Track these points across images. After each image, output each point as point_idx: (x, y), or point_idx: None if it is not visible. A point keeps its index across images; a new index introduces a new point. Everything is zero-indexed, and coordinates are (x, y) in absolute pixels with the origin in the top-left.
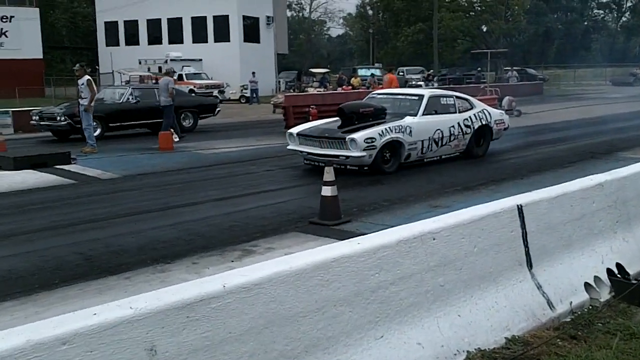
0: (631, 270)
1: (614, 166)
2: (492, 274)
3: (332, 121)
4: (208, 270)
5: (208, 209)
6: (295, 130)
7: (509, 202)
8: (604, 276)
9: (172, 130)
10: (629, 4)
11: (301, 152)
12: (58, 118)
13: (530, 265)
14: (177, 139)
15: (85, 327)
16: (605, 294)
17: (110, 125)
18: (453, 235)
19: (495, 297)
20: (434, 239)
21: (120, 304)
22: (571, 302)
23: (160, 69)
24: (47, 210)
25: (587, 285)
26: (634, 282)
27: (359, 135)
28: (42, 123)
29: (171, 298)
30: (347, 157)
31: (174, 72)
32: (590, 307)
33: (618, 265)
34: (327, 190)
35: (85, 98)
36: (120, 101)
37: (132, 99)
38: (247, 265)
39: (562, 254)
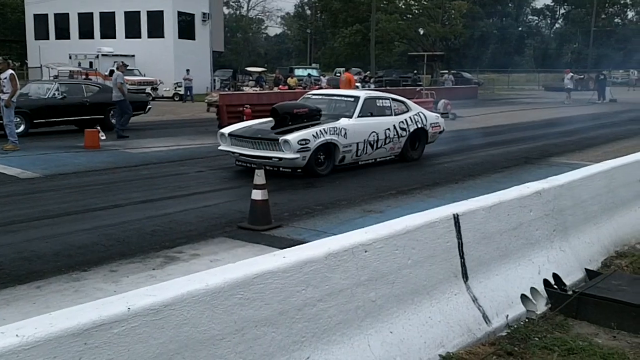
0: (568, 281)
1: (548, 172)
2: (426, 287)
3: (266, 121)
4: (127, 279)
5: (130, 212)
6: (227, 130)
7: (445, 211)
8: (540, 287)
9: (98, 127)
10: (562, 10)
11: (233, 153)
12: None
13: (465, 277)
14: (103, 137)
15: None
16: (541, 306)
17: (35, 121)
18: (386, 247)
19: (429, 312)
20: (365, 252)
21: (4, 331)
22: (507, 316)
23: (91, 64)
24: None
25: (523, 297)
26: (570, 293)
27: (293, 137)
28: None
29: (65, 323)
30: (280, 158)
31: (126, 65)
32: (527, 320)
33: (555, 276)
34: (257, 194)
35: (7, 93)
36: (46, 96)
37: (59, 94)
38: (170, 273)
39: (499, 264)
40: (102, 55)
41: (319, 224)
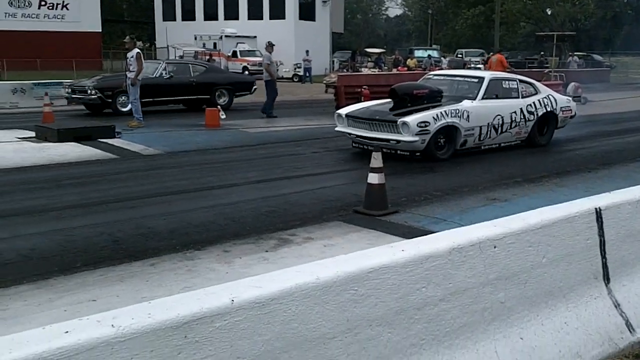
0: None
1: None
2: (562, 290)
3: (384, 103)
4: (239, 260)
5: (246, 191)
6: (344, 111)
7: (586, 204)
8: None
9: (219, 107)
10: None
11: (349, 134)
12: (88, 91)
13: (607, 279)
14: (223, 116)
15: (49, 351)
16: None
17: (142, 100)
18: (518, 243)
19: (565, 317)
20: (494, 247)
21: (100, 320)
22: None
23: (215, 45)
24: (83, 185)
25: None
26: None
27: (412, 119)
28: (73, 96)
29: (164, 314)
30: (398, 141)
31: (272, 45)
32: None
33: None
34: (374, 178)
35: (133, 71)
36: (153, 76)
37: (166, 74)
38: (282, 256)
39: None
40: (225, 36)
41: (438, 211)
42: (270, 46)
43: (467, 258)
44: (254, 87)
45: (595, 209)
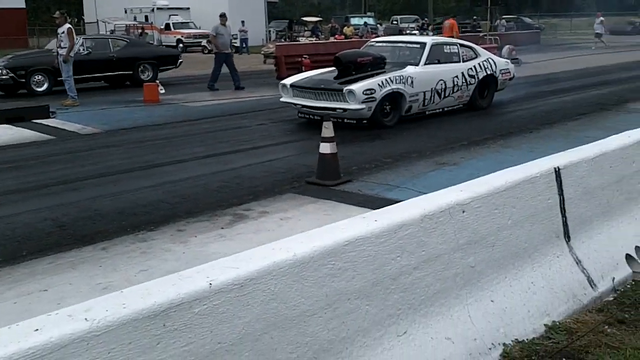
0: None
1: (627, 118)
2: (527, 250)
3: (328, 71)
4: (195, 239)
5: (194, 167)
6: (288, 81)
7: (545, 164)
8: None
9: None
10: None
11: (295, 104)
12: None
13: (568, 237)
14: (162, 90)
15: (19, 352)
16: None
17: (59, 79)
18: (485, 207)
19: (531, 277)
20: (463, 212)
21: (72, 314)
22: (613, 278)
23: (146, 18)
24: (20, 169)
25: (628, 257)
26: None
27: (358, 87)
28: None
29: (140, 303)
30: (345, 109)
31: (221, 15)
32: (633, 282)
33: None
34: (325, 147)
35: (65, 47)
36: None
37: (83, 50)
38: (239, 232)
39: (601, 222)
40: (158, 8)
41: (390, 178)
42: (221, 16)
43: (438, 224)
44: (179, 60)
45: (554, 168)
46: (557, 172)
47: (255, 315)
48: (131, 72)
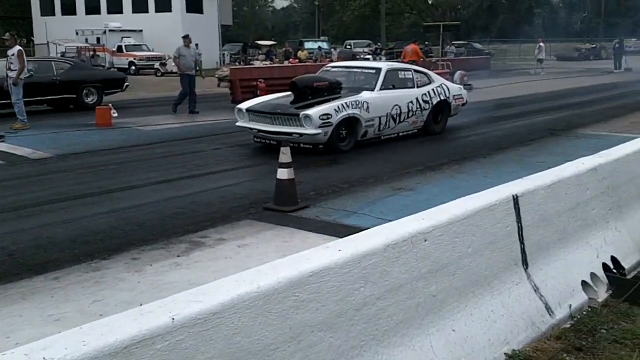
0: (626, 264)
1: (576, 144)
2: (487, 278)
3: (284, 96)
4: (150, 268)
5: (148, 193)
6: (244, 105)
7: (504, 191)
8: (600, 272)
9: (110, 104)
10: None
11: (251, 129)
12: None
13: (525, 264)
14: (115, 114)
15: None
16: (602, 293)
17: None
18: (446, 235)
19: (491, 305)
20: (425, 241)
21: (29, 353)
22: (570, 305)
23: (98, 40)
24: None
25: (584, 284)
26: (631, 278)
27: (314, 111)
28: None
29: (101, 340)
30: (301, 134)
31: (185, 37)
32: (589, 309)
33: (613, 259)
34: (283, 173)
35: (15, 70)
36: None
37: (25, 72)
38: (196, 260)
39: (557, 249)
40: (110, 30)
41: (348, 204)
42: (184, 38)
43: (401, 253)
44: (126, 83)
45: (513, 195)
46: (515, 199)
47: (218, 350)
48: (75, 96)
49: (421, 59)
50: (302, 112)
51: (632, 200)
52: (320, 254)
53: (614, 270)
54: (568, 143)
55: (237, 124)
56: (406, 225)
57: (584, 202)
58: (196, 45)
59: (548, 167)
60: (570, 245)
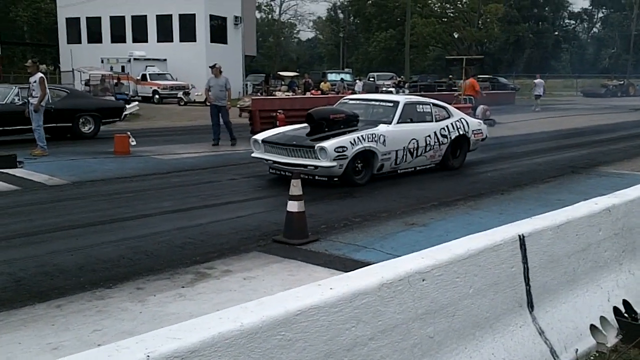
0: (638, 308)
1: (598, 182)
2: (488, 320)
3: (301, 127)
4: (154, 298)
5: (160, 222)
6: (260, 136)
7: (510, 231)
8: (610, 316)
9: (129, 132)
10: (600, 14)
11: (266, 160)
12: None
13: (531, 306)
14: (134, 142)
15: None
16: (612, 338)
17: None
18: (446, 275)
19: (492, 348)
20: (423, 280)
21: None
22: (577, 350)
23: (123, 68)
24: None
25: (592, 328)
26: None
27: (329, 144)
28: None
29: None
30: (316, 167)
31: (213, 67)
32: (597, 353)
33: (625, 303)
34: (293, 206)
35: (36, 97)
36: (3, 102)
37: (19, 100)
38: (200, 292)
39: (566, 291)
40: (134, 59)
41: (359, 238)
42: (212, 68)
43: (397, 293)
44: (124, 113)
45: (519, 235)
46: (522, 239)
47: None
48: (71, 125)
49: (478, 92)
50: (318, 145)
51: None
52: (311, 291)
53: (626, 315)
54: (589, 181)
55: (253, 154)
56: (404, 263)
57: (596, 243)
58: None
59: (567, 205)
60: (579, 287)
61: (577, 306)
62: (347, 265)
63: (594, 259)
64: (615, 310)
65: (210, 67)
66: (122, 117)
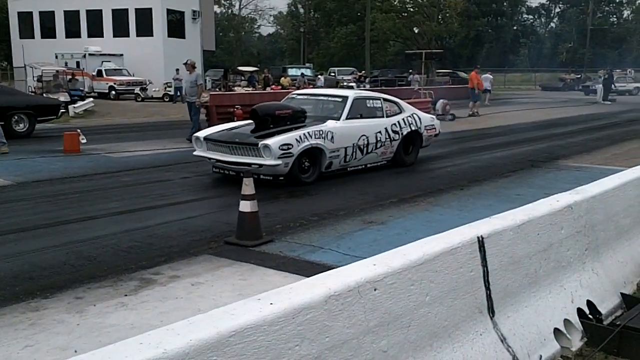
0: (603, 309)
1: (557, 176)
2: (447, 329)
3: (245, 124)
4: (94, 308)
5: (106, 225)
6: (202, 133)
7: (468, 232)
8: (574, 319)
9: (78, 130)
10: (557, 9)
11: (209, 158)
12: None
13: (492, 312)
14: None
15: None
16: (576, 341)
17: None
18: (399, 283)
19: (451, 359)
20: (375, 290)
21: None
22: (540, 356)
23: (78, 64)
24: None
25: (556, 332)
26: (608, 325)
27: (274, 141)
28: None
29: None
30: (260, 165)
31: (185, 63)
32: (561, 359)
33: (589, 304)
34: (245, 206)
35: None
36: None
37: None
38: (143, 300)
39: (528, 294)
40: (90, 54)
41: (315, 238)
42: (185, 64)
43: (345, 305)
44: (61, 110)
45: (478, 237)
46: (481, 241)
47: None
48: (3, 123)
49: (478, 85)
50: (261, 142)
51: (611, 240)
52: (248, 307)
53: (590, 316)
54: (548, 175)
55: (195, 153)
56: (353, 272)
57: (558, 242)
58: (177, 70)
59: (526, 200)
60: (542, 289)
61: (540, 309)
62: (302, 267)
63: (557, 259)
64: (580, 312)
65: (183, 63)
66: (59, 115)
